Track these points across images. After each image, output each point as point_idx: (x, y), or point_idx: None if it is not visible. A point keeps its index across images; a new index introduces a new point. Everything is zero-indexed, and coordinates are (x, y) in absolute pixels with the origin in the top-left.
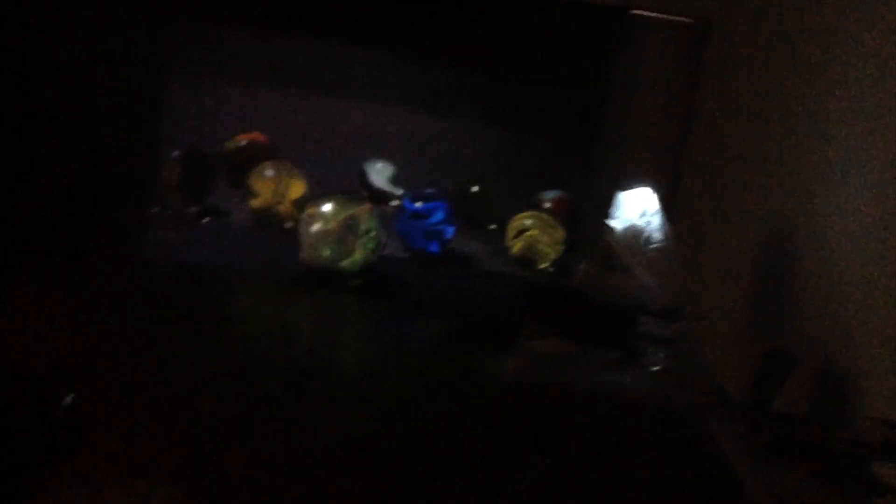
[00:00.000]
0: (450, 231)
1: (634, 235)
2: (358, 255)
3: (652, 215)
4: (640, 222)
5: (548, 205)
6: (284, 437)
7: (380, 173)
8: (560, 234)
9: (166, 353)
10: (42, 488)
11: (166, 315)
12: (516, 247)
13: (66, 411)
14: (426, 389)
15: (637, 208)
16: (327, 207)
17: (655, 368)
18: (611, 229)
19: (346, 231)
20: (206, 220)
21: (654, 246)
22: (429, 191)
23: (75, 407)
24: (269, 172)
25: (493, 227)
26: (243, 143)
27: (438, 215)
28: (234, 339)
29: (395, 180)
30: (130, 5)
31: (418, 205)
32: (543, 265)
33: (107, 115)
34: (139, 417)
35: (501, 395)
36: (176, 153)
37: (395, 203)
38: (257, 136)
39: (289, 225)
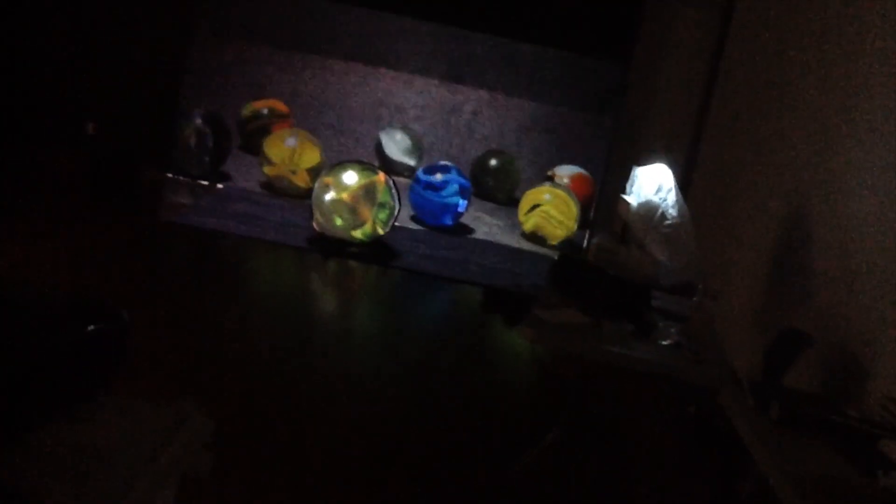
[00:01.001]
0: (463, 204)
1: (650, 211)
2: (371, 225)
3: (668, 192)
4: (655, 198)
5: (566, 181)
6: (304, 393)
7: (396, 144)
8: (574, 209)
9: (184, 304)
10: (88, 401)
11: (180, 273)
12: (529, 222)
13: (111, 331)
14: (440, 355)
15: (653, 184)
16: (343, 177)
17: (667, 343)
18: (626, 204)
19: (360, 201)
20: (220, 186)
21: (669, 222)
22: (443, 163)
23: (120, 327)
24: (286, 141)
25: (500, 200)
26: (262, 109)
27: (452, 188)
28: (250, 300)
29: (410, 152)
30: None
31: (434, 177)
32: (555, 240)
33: (129, 77)
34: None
35: (517, 363)
36: (195, 118)
37: (409, 174)
38: (275, 102)
39: (296, 193)
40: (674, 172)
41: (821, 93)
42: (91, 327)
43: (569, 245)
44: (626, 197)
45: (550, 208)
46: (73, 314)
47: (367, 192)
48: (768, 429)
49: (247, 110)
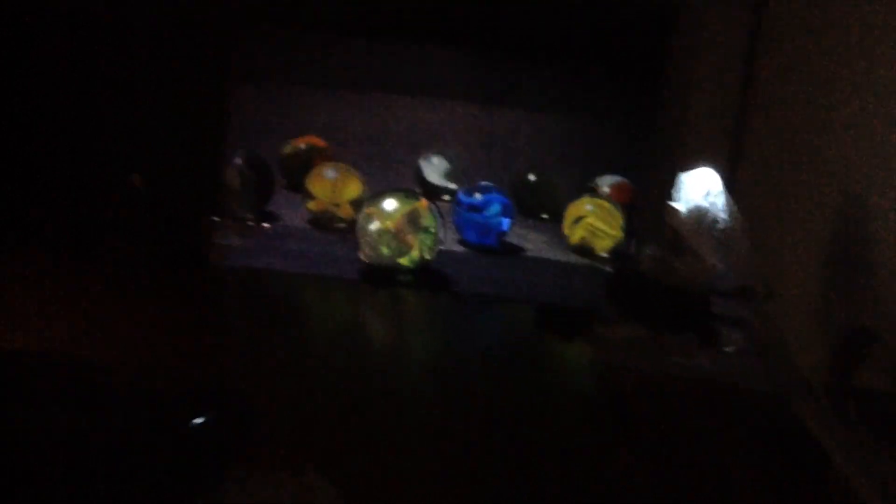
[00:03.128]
0: (506, 223)
1: (700, 217)
2: (417, 252)
3: (716, 195)
4: (704, 203)
5: (606, 190)
6: (385, 434)
7: (435, 169)
8: (619, 219)
9: (261, 355)
10: (219, 482)
11: (243, 318)
12: (575, 235)
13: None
14: (506, 378)
15: (700, 189)
16: (385, 205)
17: (732, 349)
18: (675, 212)
19: (404, 228)
20: (268, 225)
21: (721, 226)
22: (484, 183)
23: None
24: (326, 174)
25: (545, 216)
26: (301, 146)
27: (494, 207)
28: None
29: (450, 175)
30: (195, 9)
31: (475, 197)
32: (603, 252)
33: (173, 124)
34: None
35: (583, 382)
36: (236, 159)
37: (449, 197)
38: (314, 139)
39: (341, 226)
40: (720, 175)
41: (873, 80)
42: (213, 415)
43: (617, 255)
44: (674, 204)
45: (595, 219)
46: (196, 402)
47: (411, 218)
48: (846, 432)
49: (287, 149)
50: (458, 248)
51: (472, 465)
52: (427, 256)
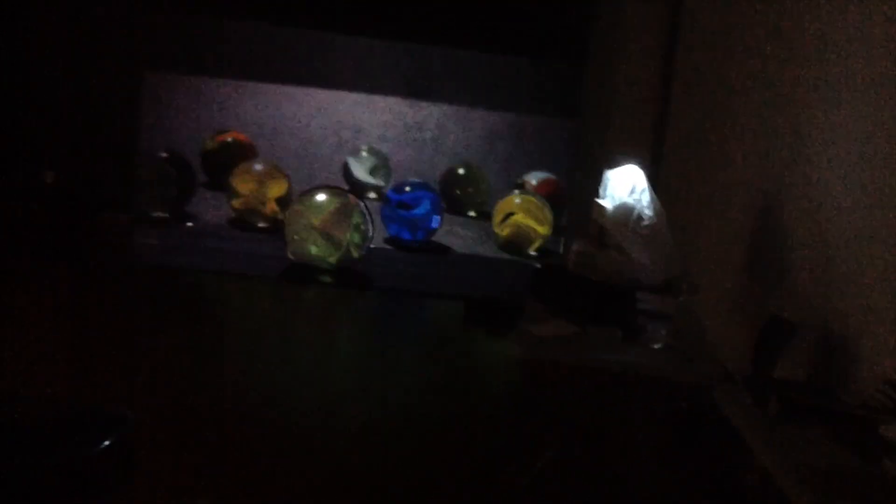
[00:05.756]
0: (436, 220)
1: (626, 213)
2: (345, 250)
3: (641, 192)
4: (630, 200)
5: (535, 188)
6: (300, 433)
7: (362, 165)
8: (548, 215)
9: (166, 354)
10: None
11: (156, 317)
12: (504, 231)
13: (114, 444)
14: (434, 373)
15: (626, 186)
16: (314, 203)
17: (658, 345)
18: (601, 208)
19: (333, 226)
20: (190, 224)
21: (646, 223)
22: (413, 180)
23: (123, 439)
24: (251, 171)
25: (472, 214)
26: (223, 141)
27: (424, 205)
28: (233, 338)
29: (378, 171)
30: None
31: (405, 194)
32: (532, 248)
33: (85, 116)
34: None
35: (506, 376)
36: (153, 155)
37: (376, 195)
38: (237, 134)
39: (265, 224)
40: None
41: (788, 78)
42: (100, 442)
43: (545, 252)
44: (600, 201)
45: (524, 216)
46: (79, 424)
47: (340, 216)
48: (767, 423)
49: (208, 145)
50: (387, 246)
51: (394, 461)
52: (355, 254)
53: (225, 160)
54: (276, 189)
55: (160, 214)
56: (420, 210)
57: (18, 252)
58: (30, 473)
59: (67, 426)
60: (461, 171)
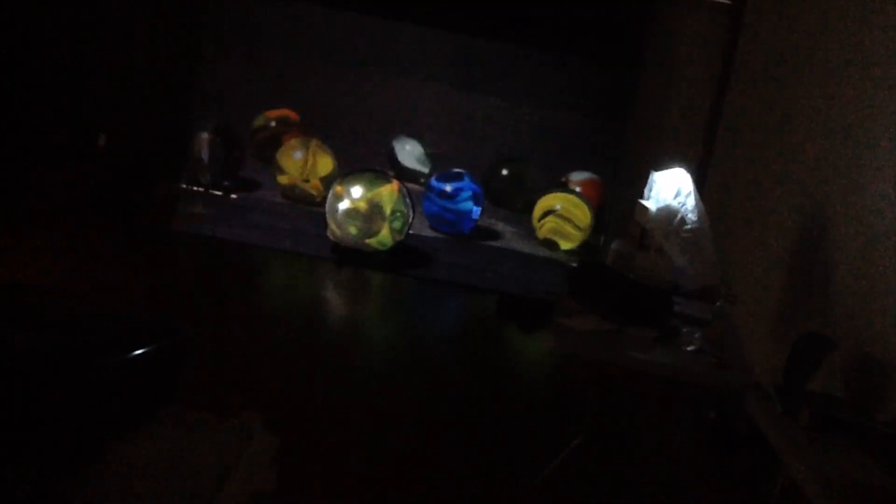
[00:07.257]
0: (476, 211)
1: (669, 216)
2: (385, 234)
3: (687, 196)
4: (674, 203)
5: (578, 188)
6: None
7: (409, 152)
8: (588, 215)
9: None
10: (153, 419)
11: (196, 286)
12: (543, 228)
13: (169, 350)
14: (459, 363)
15: (671, 189)
16: (355, 186)
17: (691, 348)
18: (644, 210)
19: (374, 210)
20: (234, 196)
21: (689, 227)
22: (456, 170)
23: (177, 346)
24: (298, 149)
25: (517, 207)
26: (273, 119)
27: (465, 196)
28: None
29: (423, 159)
30: None
31: (447, 185)
32: (569, 246)
33: (140, 90)
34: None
35: (537, 369)
36: (206, 129)
37: (422, 182)
38: (287, 112)
39: (309, 202)
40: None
41: (840, 97)
42: (162, 342)
43: (584, 251)
44: (644, 202)
45: (564, 214)
46: (143, 331)
47: (381, 201)
48: (797, 433)
49: (258, 121)
50: (428, 234)
51: (423, 442)
52: (395, 239)
53: (274, 137)
54: (322, 168)
55: (214, 188)
56: (461, 200)
57: (74, 210)
58: (106, 365)
59: (137, 332)
60: (506, 164)
